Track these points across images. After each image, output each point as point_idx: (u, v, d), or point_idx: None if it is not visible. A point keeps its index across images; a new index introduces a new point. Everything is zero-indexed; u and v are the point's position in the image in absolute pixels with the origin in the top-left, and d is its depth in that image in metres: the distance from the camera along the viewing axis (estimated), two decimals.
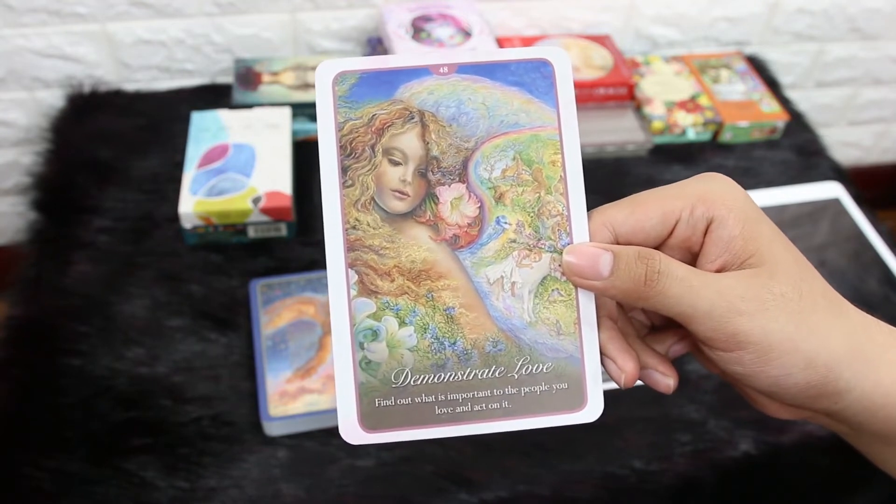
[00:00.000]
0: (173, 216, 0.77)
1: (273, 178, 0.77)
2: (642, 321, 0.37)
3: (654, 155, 0.92)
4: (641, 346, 0.35)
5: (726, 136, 0.95)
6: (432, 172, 0.33)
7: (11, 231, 0.97)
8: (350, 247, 0.32)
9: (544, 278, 0.32)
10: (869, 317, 0.33)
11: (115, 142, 0.87)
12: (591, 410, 0.32)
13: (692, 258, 0.33)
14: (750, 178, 0.91)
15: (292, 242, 0.78)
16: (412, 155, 0.33)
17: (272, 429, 0.63)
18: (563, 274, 0.32)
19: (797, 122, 0.99)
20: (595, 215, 0.33)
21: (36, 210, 0.81)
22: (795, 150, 0.96)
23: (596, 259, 0.31)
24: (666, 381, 0.34)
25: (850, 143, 1.32)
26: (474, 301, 0.32)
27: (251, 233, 0.77)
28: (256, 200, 0.75)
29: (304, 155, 0.86)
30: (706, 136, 0.95)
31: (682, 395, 0.68)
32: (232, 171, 0.78)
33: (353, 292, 0.32)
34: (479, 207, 0.33)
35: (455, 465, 0.62)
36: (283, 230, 0.78)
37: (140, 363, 0.67)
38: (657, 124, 0.93)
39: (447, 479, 0.62)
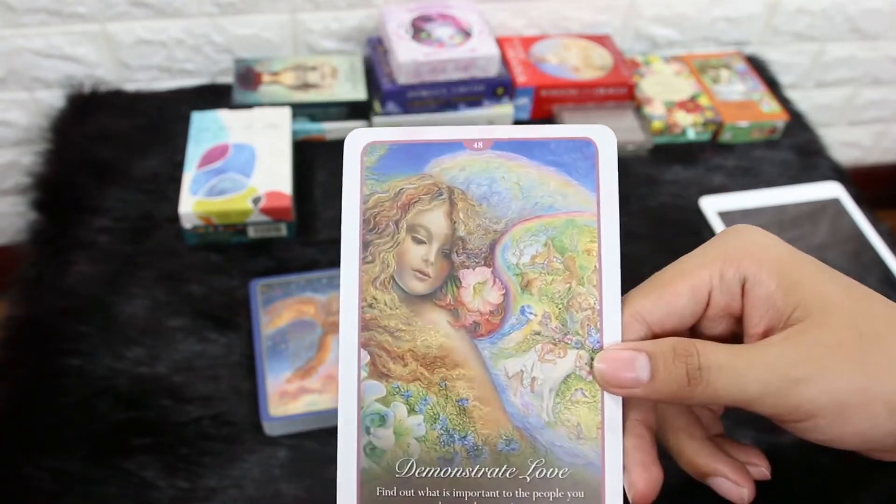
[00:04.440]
0: (173, 216, 0.77)
1: (273, 178, 0.77)
2: (712, 410, 0.34)
3: (654, 155, 0.92)
4: (711, 449, 0.31)
5: (726, 136, 0.95)
6: (457, 254, 0.31)
7: (11, 231, 0.97)
8: (365, 326, 0.31)
9: (568, 376, 0.30)
10: None
11: (115, 142, 0.87)
12: None
13: (737, 324, 0.31)
14: (750, 178, 0.91)
15: (292, 242, 0.78)
16: (437, 234, 0.31)
17: (272, 429, 0.63)
18: (589, 373, 0.30)
19: (797, 122, 0.99)
20: (624, 308, 0.30)
21: (36, 210, 0.81)
22: (795, 150, 0.96)
23: (631, 364, 0.29)
24: (739, 491, 0.31)
25: (849, 143, 1.32)
26: (490, 394, 0.30)
27: (251, 233, 0.77)
28: (256, 200, 0.75)
29: (304, 155, 0.86)
30: (706, 136, 0.95)
31: None
32: (232, 171, 0.78)
33: (364, 373, 0.31)
34: (504, 294, 0.31)
35: None
36: (283, 230, 0.78)
37: (140, 363, 0.67)
38: (657, 124, 0.93)
39: None
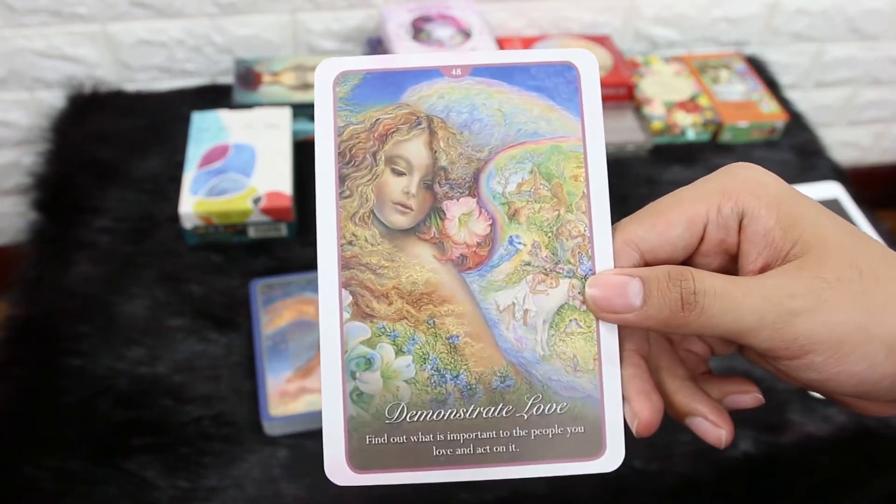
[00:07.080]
0: (174, 216, 0.77)
1: (273, 178, 0.77)
2: (698, 354, 0.33)
3: (653, 155, 0.92)
4: (691, 389, 0.30)
5: (726, 137, 0.95)
6: (439, 184, 0.29)
7: (12, 231, 0.97)
8: (345, 264, 0.29)
9: (561, 307, 0.29)
10: None
11: (115, 142, 0.87)
12: (610, 459, 0.29)
13: (731, 261, 0.30)
14: None
15: (292, 242, 0.78)
16: (418, 164, 0.29)
17: (272, 429, 0.63)
18: (582, 303, 0.29)
19: (796, 123, 0.99)
20: (615, 234, 0.29)
21: (37, 210, 0.81)
22: (795, 150, 0.96)
23: (624, 289, 0.28)
24: (717, 432, 0.30)
25: (849, 143, 1.32)
26: (481, 330, 0.29)
27: (251, 233, 0.77)
28: (257, 200, 0.75)
29: (305, 155, 0.86)
30: (706, 136, 0.95)
31: None
32: (232, 171, 0.78)
33: (347, 315, 0.29)
34: (491, 225, 0.29)
35: None
36: (284, 230, 0.78)
37: (140, 363, 0.67)
38: (657, 125, 0.93)
39: None
